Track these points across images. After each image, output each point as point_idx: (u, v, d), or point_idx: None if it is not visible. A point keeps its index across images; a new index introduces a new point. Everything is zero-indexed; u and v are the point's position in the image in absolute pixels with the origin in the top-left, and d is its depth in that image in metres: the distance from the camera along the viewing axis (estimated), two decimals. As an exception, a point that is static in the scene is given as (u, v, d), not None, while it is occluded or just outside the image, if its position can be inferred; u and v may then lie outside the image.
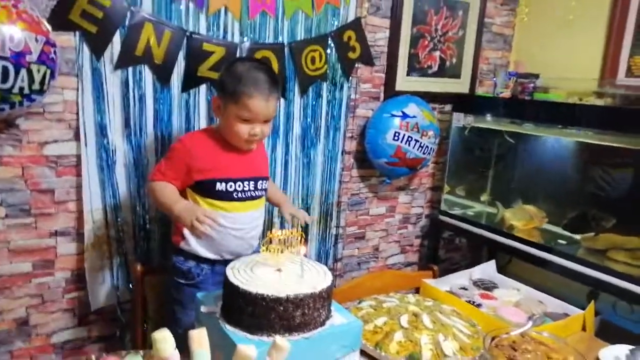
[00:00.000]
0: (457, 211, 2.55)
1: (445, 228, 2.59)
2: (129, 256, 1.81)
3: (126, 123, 1.69)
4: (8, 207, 1.60)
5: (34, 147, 1.60)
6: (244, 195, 1.43)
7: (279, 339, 0.74)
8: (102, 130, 1.66)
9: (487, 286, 1.66)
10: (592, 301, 1.46)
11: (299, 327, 1.04)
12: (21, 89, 1.33)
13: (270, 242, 1.12)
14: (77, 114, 1.62)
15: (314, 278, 1.10)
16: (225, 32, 1.79)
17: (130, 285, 1.81)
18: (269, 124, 1.41)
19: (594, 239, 2.08)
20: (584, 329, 1.44)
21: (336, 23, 2.02)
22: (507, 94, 2.23)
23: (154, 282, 1.63)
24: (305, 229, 2.19)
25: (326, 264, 2.30)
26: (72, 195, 1.69)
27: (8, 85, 1.31)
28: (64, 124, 1.63)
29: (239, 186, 1.41)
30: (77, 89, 1.60)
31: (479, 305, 1.48)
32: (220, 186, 1.39)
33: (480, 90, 2.65)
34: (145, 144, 1.74)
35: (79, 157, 1.66)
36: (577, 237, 2.14)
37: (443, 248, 2.80)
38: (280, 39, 1.90)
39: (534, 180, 2.44)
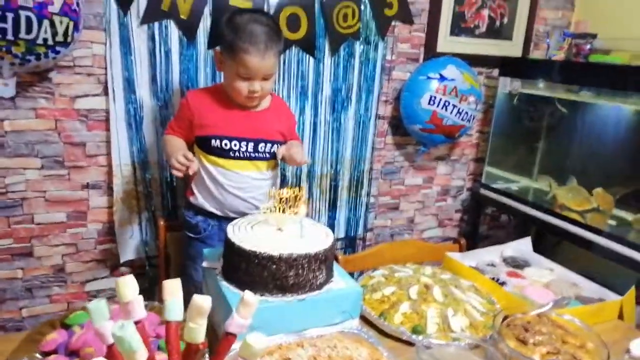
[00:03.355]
0: (500, 185, 2.38)
1: (486, 203, 2.44)
2: (157, 212, 1.85)
3: (153, 79, 1.70)
4: (43, 159, 1.67)
5: (66, 100, 1.65)
6: (240, 155, 1.40)
7: (247, 293, 0.71)
8: (129, 85, 1.67)
9: (517, 264, 1.54)
10: (633, 287, 1.30)
11: (292, 288, 1.01)
12: (45, 40, 1.36)
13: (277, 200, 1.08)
14: (106, 68, 1.65)
15: (313, 239, 1.06)
16: (253, -14, 1.74)
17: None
18: (269, 81, 1.37)
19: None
20: (621, 317, 1.30)
21: (372, -23, 1.90)
22: (560, 56, 2.02)
23: (176, 238, 1.66)
24: (334, 195, 2.14)
25: (356, 233, 2.26)
26: (103, 149, 1.74)
27: (32, 35, 1.33)
28: (93, 78, 1.66)
29: (235, 145, 1.39)
30: (105, 44, 1.62)
31: (502, 284, 1.38)
32: (215, 143, 1.38)
33: (536, 54, 2.43)
34: (172, 100, 1.74)
35: (108, 111, 1.69)
36: (629, 218, 1.93)
37: (486, 224, 2.65)
38: (311, -6, 1.82)
39: (589, 155, 2.21)
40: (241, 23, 1.31)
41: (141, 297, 0.70)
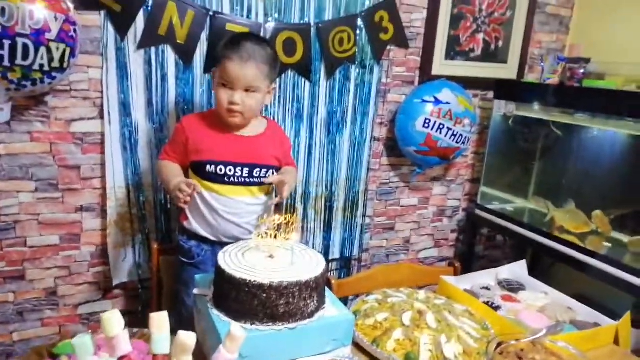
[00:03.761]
0: (495, 206, 2.38)
1: (482, 223, 2.43)
2: (151, 234, 1.84)
3: (149, 102, 1.71)
4: (38, 182, 1.67)
5: (61, 124, 1.65)
6: (235, 180, 1.40)
7: (234, 327, 0.70)
8: (125, 108, 1.68)
9: (512, 287, 1.53)
10: (628, 312, 1.29)
11: (283, 317, 1.00)
12: (41, 66, 1.37)
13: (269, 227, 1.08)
14: (102, 92, 1.66)
15: (304, 267, 1.05)
16: (249, 11, 1.76)
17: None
18: (251, 95, 1.35)
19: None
20: (617, 342, 1.29)
21: (367, 2, 1.92)
22: (554, 80, 2.03)
23: (170, 262, 1.65)
24: (329, 216, 2.14)
25: (351, 254, 2.25)
26: (97, 172, 1.74)
27: (28, 62, 1.34)
28: (89, 102, 1.67)
29: (230, 170, 1.39)
30: (102, 68, 1.63)
31: (497, 308, 1.37)
32: (210, 168, 1.38)
33: (530, 77, 2.45)
34: (167, 123, 1.75)
35: (103, 135, 1.69)
36: (625, 240, 1.92)
37: (482, 244, 2.64)
38: (306, 19, 1.84)
39: (584, 177, 2.21)
40: (234, 40, 1.36)
41: (126, 331, 0.69)
